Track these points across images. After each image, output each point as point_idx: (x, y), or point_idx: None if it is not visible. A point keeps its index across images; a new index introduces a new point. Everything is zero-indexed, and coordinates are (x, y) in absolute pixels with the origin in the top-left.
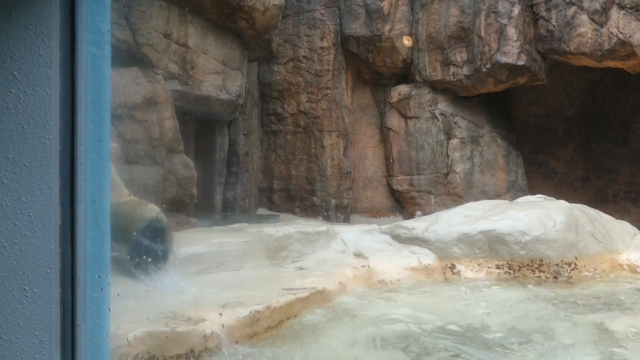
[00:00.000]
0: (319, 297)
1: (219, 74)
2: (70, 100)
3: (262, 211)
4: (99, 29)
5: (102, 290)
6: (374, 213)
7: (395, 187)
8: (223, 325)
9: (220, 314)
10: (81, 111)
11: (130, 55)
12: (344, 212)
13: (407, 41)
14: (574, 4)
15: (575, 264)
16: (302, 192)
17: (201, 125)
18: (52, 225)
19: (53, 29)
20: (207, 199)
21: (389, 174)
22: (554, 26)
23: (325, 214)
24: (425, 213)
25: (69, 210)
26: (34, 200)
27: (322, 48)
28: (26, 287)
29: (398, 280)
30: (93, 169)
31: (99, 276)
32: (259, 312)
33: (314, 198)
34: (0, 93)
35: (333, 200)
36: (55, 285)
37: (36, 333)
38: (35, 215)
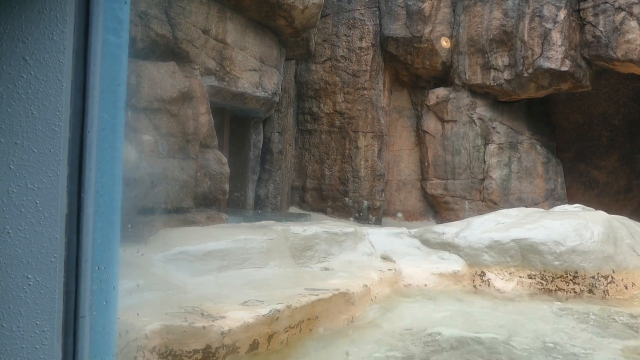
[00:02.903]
0: (342, 299)
1: (255, 71)
2: (82, 88)
3: (293, 210)
4: (117, 17)
5: (109, 282)
6: (406, 216)
7: (429, 191)
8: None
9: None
10: (94, 99)
11: (168, 50)
12: (376, 214)
13: (445, 42)
14: (623, 10)
15: (612, 277)
16: (334, 192)
17: (236, 121)
18: (59, 214)
19: (67, 14)
20: (240, 195)
21: (423, 177)
22: (601, 32)
23: (357, 215)
24: (459, 218)
25: (76, 199)
26: (41, 187)
27: (360, 48)
28: (29, 276)
29: (425, 285)
30: (105, 158)
31: (106, 267)
32: (279, 311)
33: (346, 199)
34: (10, 77)
35: (365, 202)
36: (59, 274)
37: (38, 322)
38: (42, 202)
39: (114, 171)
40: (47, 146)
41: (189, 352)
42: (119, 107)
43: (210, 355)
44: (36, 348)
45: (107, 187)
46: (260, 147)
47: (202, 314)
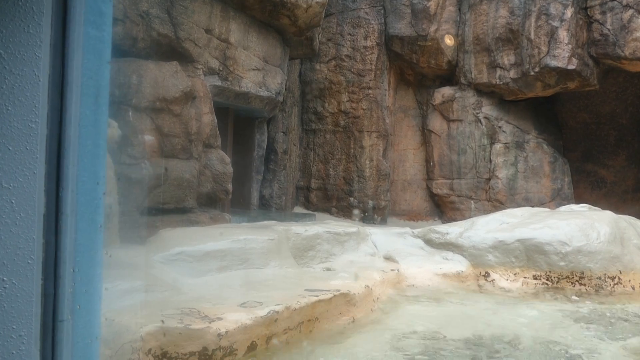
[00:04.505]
0: (343, 300)
1: (259, 70)
2: (60, 83)
3: (298, 210)
4: (99, 10)
5: (91, 285)
6: (412, 216)
7: (434, 191)
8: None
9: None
10: (74, 95)
11: (170, 49)
12: (381, 214)
13: (448, 40)
14: (631, 7)
15: (619, 278)
16: (339, 192)
17: (240, 121)
18: (36, 214)
19: (44, 6)
20: (244, 195)
21: (429, 177)
22: (609, 30)
23: (362, 215)
24: (464, 218)
25: (55, 199)
26: (17, 186)
27: (365, 47)
28: (5, 278)
29: (428, 286)
30: (86, 156)
31: (88, 269)
32: (277, 312)
33: (351, 199)
34: None
35: (370, 202)
36: (37, 277)
37: (14, 327)
38: (18, 202)
39: (97, 169)
40: (23, 143)
41: (185, 354)
42: (101, 103)
43: (207, 357)
44: (12, 353)
45: (88, 186)
46: (265, 147)
47: (199, 316)
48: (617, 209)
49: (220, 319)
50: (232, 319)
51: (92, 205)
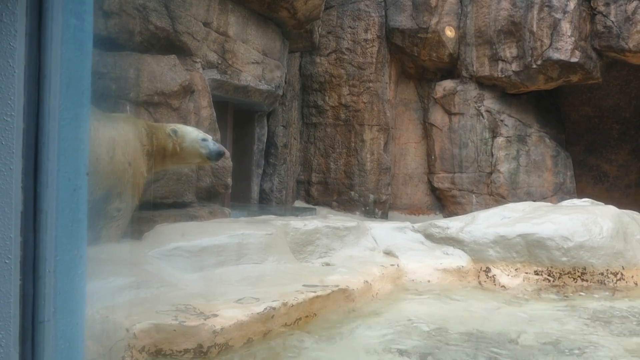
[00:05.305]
0: (342, 295)
1: (258, 64)
2: (37, 75)
3: (299, 204)
4: None
5: (73, 284)
6: (413, 210)
7: (436, 185)
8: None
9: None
10: (53, 87)
11: (168, 43)
12: (382, 208)
13: (449, 32)
14: None
15: (622, 274)
16: (340, 186)
17: (240, 115)
18: (13, 211)
19: None
20: (244, 189)
21: (430, 171)
22: (613, 22)
23: (363, 209)
24: (466, 213)
25: (32, 195)
26: None
27: (365, 40)
28: None
29: (428, 281)
30: (67, 151)
31: (69, 268)
32: (274, 308)
33: (352, 193)
34: None
35: (371, 196)
36: (15, 277)
37: None
38: None
39: (78, 165)
40: None
41: (180, 351)
42: (83, 95)
43: (202, 354)
44: None
45: (70, 181)
46: (265, 140)
47: (195, 312)
48: (620, 204)
49: (215, 315)
50: (228, 315)
51: (73, 202)
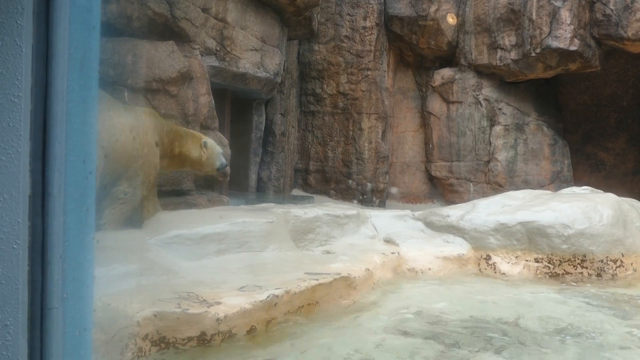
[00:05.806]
0: (343, 283)
1: (257, 51)
2: (44, 54)
3: (297, 192)
4: None
5: (82, 270)
6: (410, 199)
7: (433, 173)
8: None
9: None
10: (62, 68)
11: (166, 29)
12: (380, 197)
13: (451, 19)
14: None
15: (621, 261)
16: (338, 174)
17: (238, 103)
18: (21, 196)
19: None
20: (242, 177)
21: (428, 159)
22: (612, 10)
23: (361, 197)
24: (463, 201)
25: (41, 179)
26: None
27: (364, 28)
28: None
29: (429, 269)
30: (75, 134)
31: (78, 254)
32: (277, 296)
33: (350, 181)
34: None
35: (369, 184)
36: (23, 263)
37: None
38: (1, 183)
39: (87, 148)
40: (5, 119)
41: (183, 339)
42: (91, 77)
43: (205, 342)
44: None
45: (78, 165)
46: (263, 128)
47: (197, 300)
48: (617, 192)
49: (218, 303)
50: (231, 303)
51: (81, 186)
